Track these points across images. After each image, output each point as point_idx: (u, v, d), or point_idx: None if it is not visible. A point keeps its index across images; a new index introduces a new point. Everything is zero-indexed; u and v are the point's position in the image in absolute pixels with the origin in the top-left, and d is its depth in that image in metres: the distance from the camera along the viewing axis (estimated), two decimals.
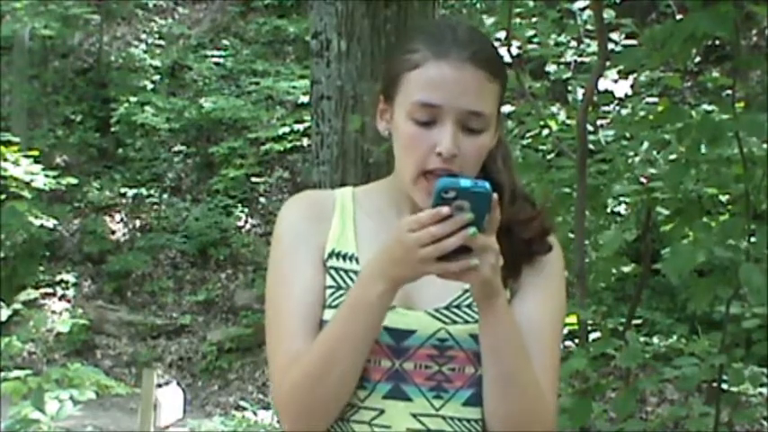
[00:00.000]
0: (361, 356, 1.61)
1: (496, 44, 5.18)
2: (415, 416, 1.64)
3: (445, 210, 1.49)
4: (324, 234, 1.73)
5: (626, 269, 6.64)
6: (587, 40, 5.64)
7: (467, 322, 1.65)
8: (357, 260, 1.70)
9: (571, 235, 4.72)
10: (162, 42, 18.59)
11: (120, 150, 17.31)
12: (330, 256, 1.71)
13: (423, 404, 1.65)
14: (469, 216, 1.49)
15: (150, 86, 17.75)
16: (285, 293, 1.69)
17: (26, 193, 12.36)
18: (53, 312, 15.38)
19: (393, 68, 1.71)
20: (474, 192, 1.50)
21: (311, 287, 1.69)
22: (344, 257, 1.71)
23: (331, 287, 1.69)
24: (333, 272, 1.70)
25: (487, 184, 1.51)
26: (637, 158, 4.92)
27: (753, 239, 3.68)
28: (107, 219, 16.85)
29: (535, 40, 5.61)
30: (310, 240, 1.72)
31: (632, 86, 5.36)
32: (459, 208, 1.49)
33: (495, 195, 1.52)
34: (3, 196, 13.02)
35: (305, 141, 15.45)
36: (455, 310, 1.67)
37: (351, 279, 1.69)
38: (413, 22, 4.01)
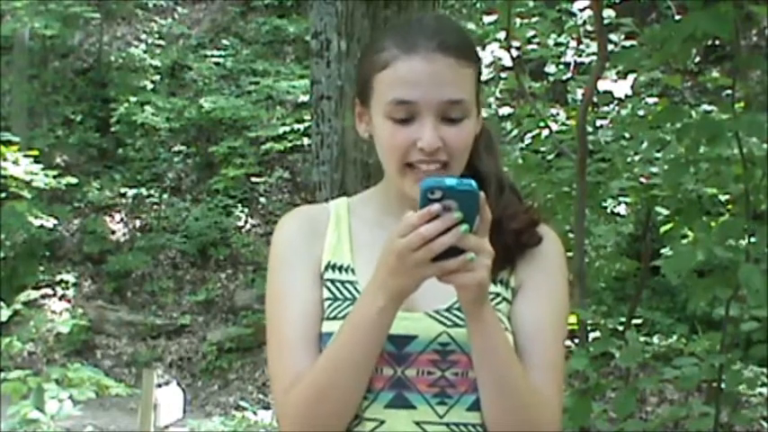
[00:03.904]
0: (365, 374, 1.60)
1: (496, 45, 5.18)
2: (418, 423, 1.62)
3: (435, 207, 1.46)
4: (319, 248, 1.72)
5: (626, 268, 6.65)
6: (587, 41, 5.64)
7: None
8: (353, 271, 1.69)
9: (571, 235, 4.72)
10: (162, 42, 18.60)
11: (120, 150, 17.32)
12: (326, 268, 1.70)
13: (426, 411, 1.62)
14: (458, 215, 1.46)
15: (150, 86, 17.76)
16: (283, 312, 1.68)
17: (26, 193, 12.36)
18: (53, 312, 15.39)
19: (364, 71, 1.69)
20: (460, 190, 1.47)
21: (308, 303, 1.67)
22: (340, 269, 1.70)
23: (328, 299, 1.68)
24: (329, 284, 1.69)
25: (473, 182, 1.48)
26: (636, 158, 4.93)
27: (752, 239, 3.68)
28: (107, 219, 16.85)
29: (535, 40, 5.61)
30: (306, 256, 1.71)
31: (632, 87, 5.36)
32: (447, 208, 1.47)
33: (482, 194, 1.49)
34: (3, 196, 13.03)
35: (305, 141, 15.45)
36: (456, 312, 1.64)
37: (347, 290, 1.67)
38: None
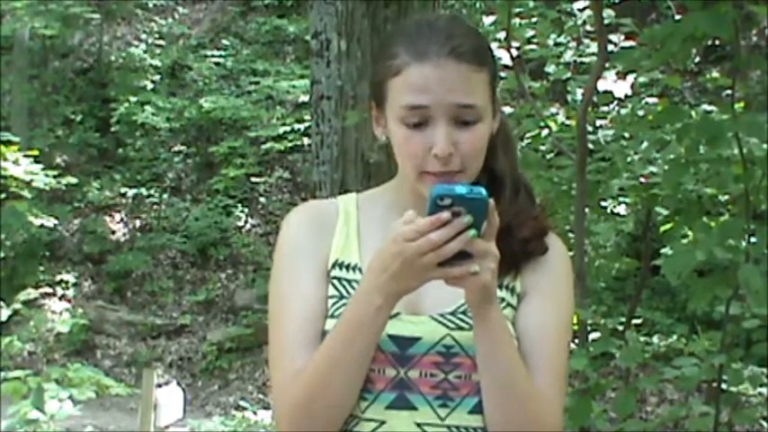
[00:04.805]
0: (359, 372, 1.60)
1: (496, 45, 5.18)
2: (419, 425, 1.62)
3: (445, 215, 1.47)
4: (327, 245, 1.71)
5: (626, 268, 6.65)
6: (587, 41, 5.64)
7: (473, 328, 1.61)
8: (360, 270, 1.68)
9: (571, 235, 4.72)
10: (162, 42, 18.59)
11: (120, 150, 17.32)
12: (334, 266, 1.70)
13: (428, 413, 1.62)
14: (468, 218, 1.48)
15: (150, 86, 17.75)
16: (285, 310, 1.67)
17: (26, 193, 12.35)
18: (53, 312, 15.38)
19: (377, 75, 1.69)
20: (470, 198, 1.48)
21: (312, 301, 1.67)
22: (348, 267, 1.69)
23: (333, 297, 1.67)
24: (336, 281, 1.69)
25: (483, 190, 1.49)
26: (636, 158, 4.92)
27: (752, 240, 3.68)
28: (107, 219, 16.85)
29: (535, 40, 5.60)
30: (312, 253, 1.70)
31: (632, 87, 5.36)
32: (457, 214, 1.48)
33: (492, 201, 1.50)
34: (3, 196, 13.02)
35: (305, 141, 15.45)
36: (461, 316, 1.64)
37: (353, 288, 1.66)
38: None
